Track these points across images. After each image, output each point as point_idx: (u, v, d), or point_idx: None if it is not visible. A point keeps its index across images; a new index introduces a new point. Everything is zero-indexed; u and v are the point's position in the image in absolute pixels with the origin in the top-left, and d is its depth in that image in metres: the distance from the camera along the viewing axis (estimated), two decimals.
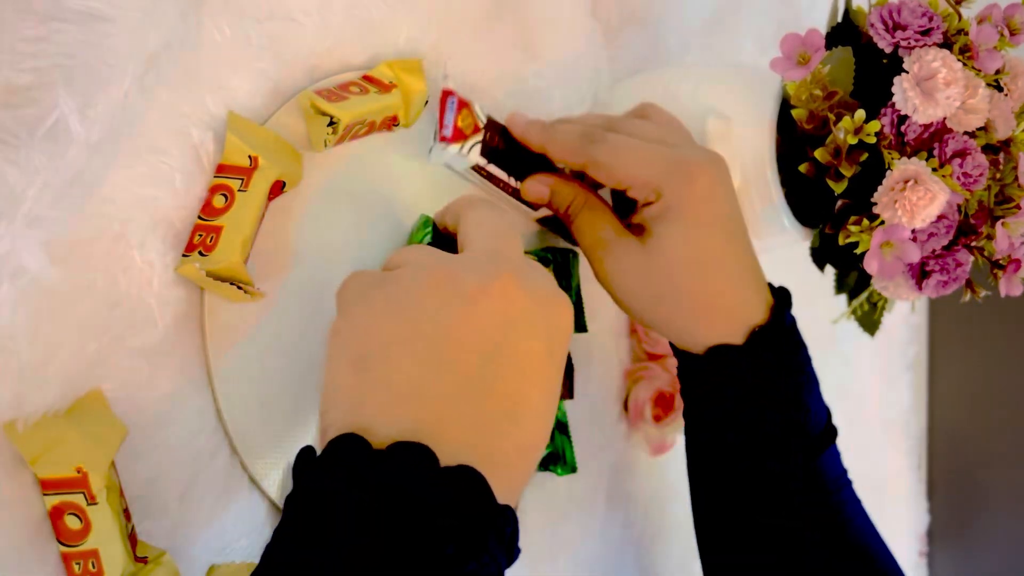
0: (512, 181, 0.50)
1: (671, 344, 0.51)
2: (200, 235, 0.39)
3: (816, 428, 0.49)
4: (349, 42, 0.46)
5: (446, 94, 0.46)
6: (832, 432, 0.50)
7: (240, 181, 0.40)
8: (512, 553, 0.33)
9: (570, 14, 0.58)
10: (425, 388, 0.34)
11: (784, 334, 0.48)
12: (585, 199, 0.50)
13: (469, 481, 0.32)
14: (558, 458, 0.53)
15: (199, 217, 0.39)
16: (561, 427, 0.54)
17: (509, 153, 0.49)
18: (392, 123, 0.47)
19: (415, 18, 0.48)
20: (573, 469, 0.53)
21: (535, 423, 0.36)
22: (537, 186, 0.50)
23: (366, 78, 0.46)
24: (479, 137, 0.47)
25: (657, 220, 0.47)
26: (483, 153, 0.47)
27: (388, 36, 0.47)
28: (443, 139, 0.46)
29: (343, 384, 0.34)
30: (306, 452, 0.34)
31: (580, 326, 0.54)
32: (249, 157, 0.40)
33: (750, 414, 0.47)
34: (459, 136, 0.46)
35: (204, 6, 0.39)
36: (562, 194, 0.50)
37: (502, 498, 0.33)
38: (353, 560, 0.30)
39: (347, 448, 0.32)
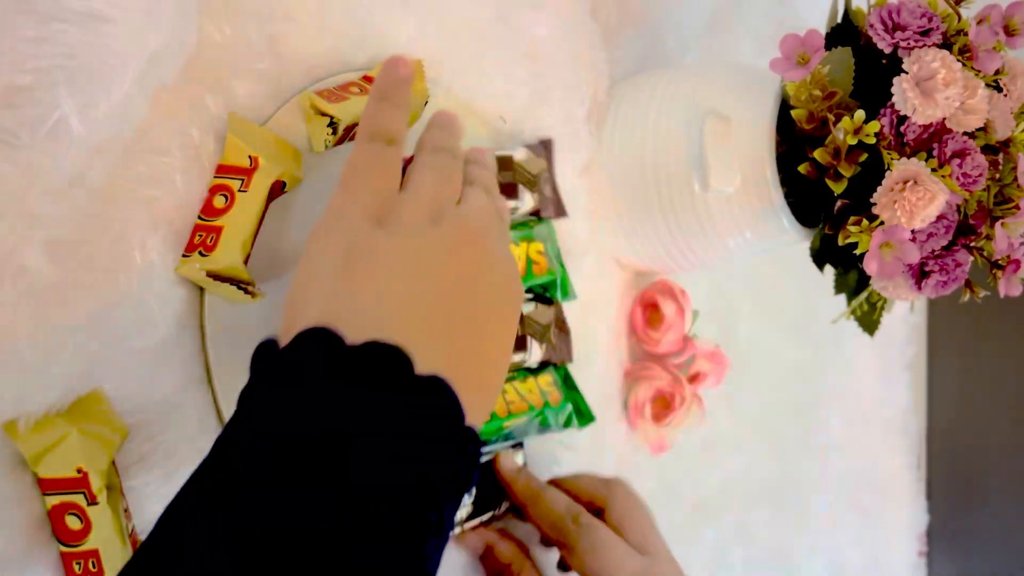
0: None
1: None
2: (200, 235, 0.39)
3: None
4: (349, 43, 0.46)
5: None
6: None
7: (240, 181, 0.40)
8: (471, 477, 0.33)
9: (570, 15, 0.58)
10: (406, 296, 0.34)
11: None
12: (521, 567, 0.51)
13: (442, 393, 0.32)
14: (576, 413, 0.54)
15: (199, 217, 0.39)
16: (569, 384, 0.55)
17: None
18: None
19: (415, 19, 0.48)
20: (592, 418, 0.55)
21: (501, 350, 0.38)
22: (475, 540, 0.51)
23: (366, 78, 0.46)
24: None
25: None
26: None
27: (388, 37, 0.48)
28: None
29: (325, 273, 0.34)
30: (267, 345, 0.32)
31: (565, 292, 0.55)
32: (249, 157, 0.40)
33: None
34: None
35: (205, 7, 0.39)
36: (501, 555, 0.51)
37: (470, 417, 0.33)
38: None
39: (317, 342, 0.31)
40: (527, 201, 0.53)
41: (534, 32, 0.56)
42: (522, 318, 0.52)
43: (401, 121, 0.40)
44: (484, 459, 0.52)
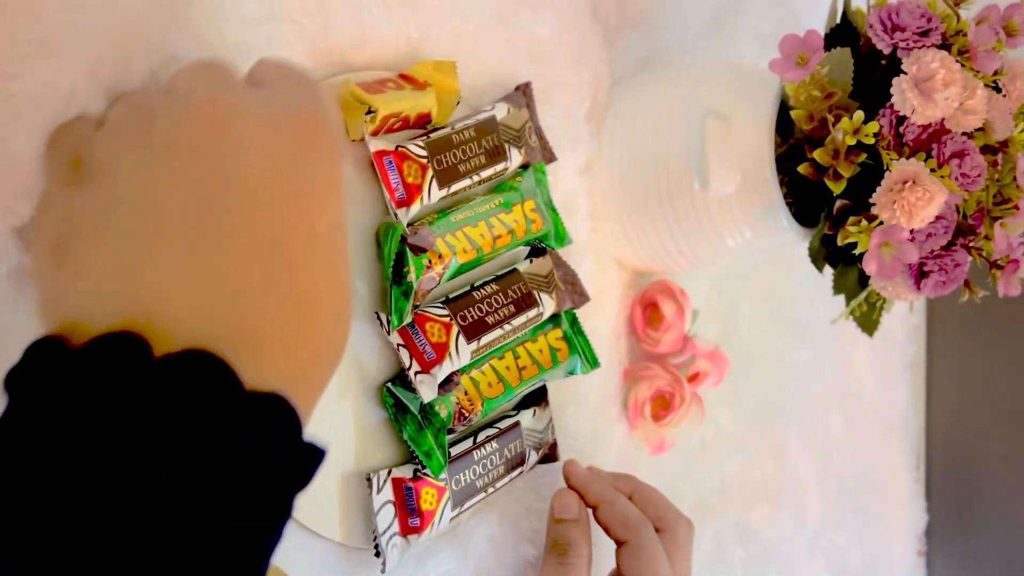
0: None
1: None
2: None
3: None
4: (349, 44, 0.46)
5: (378, 155, 0.46)
6: None
7: None
8: (307, 465, 0.26)
9: (570, 15, 0.59)
10: (136, 261, 0.26)
11: None
12: (581, 558, 0.51)
13: (199, 367, 0.25)
14: (582, 361, 0.55)
15: None
16: (576, 329, 0.56)
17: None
18: (424, 120, 0.48)
19: (416, 19, 0.49)
20: (596, 363, 0.56)
21: (306, 275, 0.28)
22: (569, 500, 0.52)
23: (402, 76, 0.47)
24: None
25: None
26: (440, 186, 0.48)
27: (389, 37, 0.48)
28: (399, 204, 0.46)
29: (43, 285, 0.28)
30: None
31: (561, 238, 0.55)
32: None
33: None
34: (413, 193, 0.46)
35: (204, 8, 0.39)
36: (574, 535, 0.51)
37: (265, 384, 0.26)
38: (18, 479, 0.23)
39: (37, 354, 0.25)
40: (515, 158, 0.53)
41: (534, 32, 0.56)
42: (522, 276, 0.52)
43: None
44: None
